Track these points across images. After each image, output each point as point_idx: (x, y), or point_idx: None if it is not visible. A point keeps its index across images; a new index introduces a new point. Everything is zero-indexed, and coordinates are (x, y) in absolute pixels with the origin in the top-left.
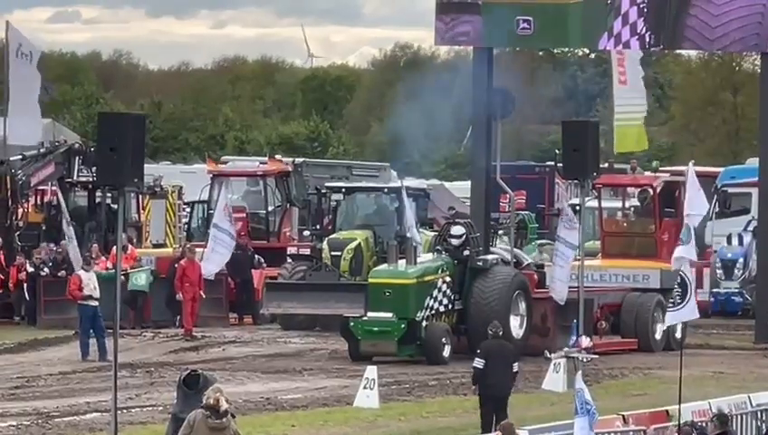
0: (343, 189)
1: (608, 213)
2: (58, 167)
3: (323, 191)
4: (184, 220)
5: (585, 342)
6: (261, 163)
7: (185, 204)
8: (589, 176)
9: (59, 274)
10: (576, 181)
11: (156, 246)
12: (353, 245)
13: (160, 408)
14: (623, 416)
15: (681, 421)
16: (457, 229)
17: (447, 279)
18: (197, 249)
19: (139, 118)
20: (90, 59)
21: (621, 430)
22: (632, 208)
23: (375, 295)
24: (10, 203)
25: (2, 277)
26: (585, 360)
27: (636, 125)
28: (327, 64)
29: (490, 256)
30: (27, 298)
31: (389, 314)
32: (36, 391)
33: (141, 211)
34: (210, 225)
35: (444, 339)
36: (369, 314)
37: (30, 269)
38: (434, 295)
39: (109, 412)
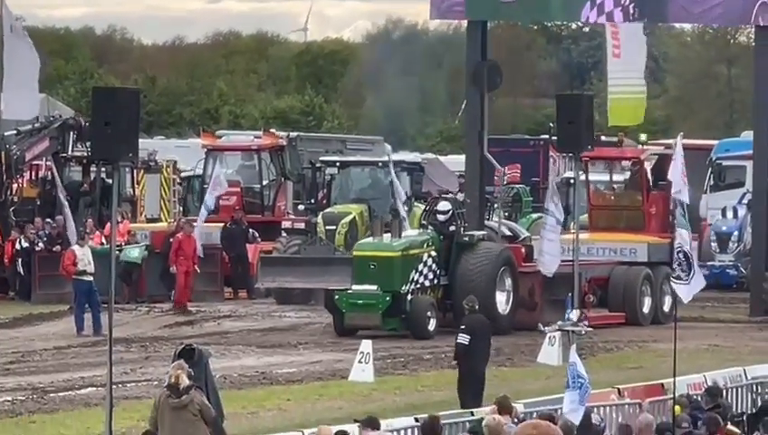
0: (338, 163)
1: (595, 186)
2: (52, 142)
3: (318, 165)
4: (179, 194)
5: (574, 315)
6: (255, 137)
7: (179, 178)
8: (584, 149)
9: (54, 249)
10: (570, 154)
11: (150, 220)
12: (348, 219)
13: (155, 382)
14: (618, 389)
15: (676, 394)
16: (444, 205)
17: (433, 254)
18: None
19: (133, 92)
20: (84, 34)
21: (616, 403)
22: (623, 181)
23: (360, 268)
24: (4, 178)
25: None
26: (581, 333)
27: (635, 98)
28: (321, 38)
29: (476, 232)
30: (21, 273)
31: (374, 287)
32: (31, 365)
33: (136, 186)
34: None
35: (429, 313)
36: (354, 286)
37: (25, 244)
38: (419, 269)
39: (104, 387)
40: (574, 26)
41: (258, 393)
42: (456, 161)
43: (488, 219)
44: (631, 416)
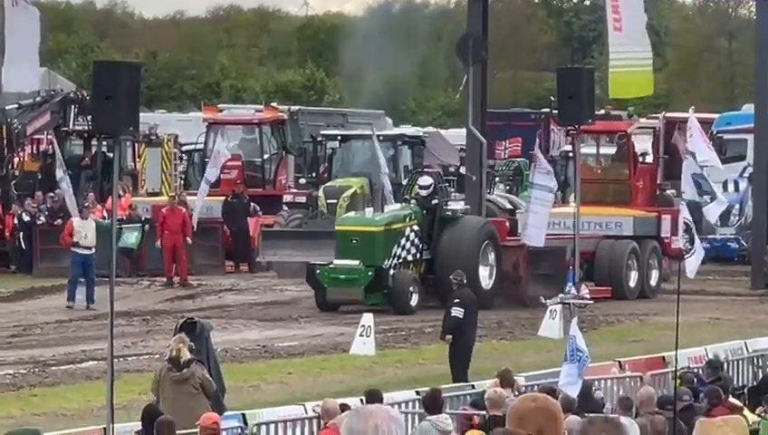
0: (339, 137)
1: (583, 160)
2: (54, 116)
3: (319, 139)
4: (180, 168)
5: (579, 290)
6: (256, 111)
7: (180, 152)
8: (584, 122)
9: (55, 222)
10: (569, 128)
11: (151, 194)
12: (349, 192)
13: (157, 356)
14: (619, 362)
15: (677, 368)
16: (425, 179)
17: (416, 228)
18: (189, 197)
19: (134, 66)
20: (84, 8)
21: (618, 376)
22: (611, 155)
23: (342, 243)
24: (6, 152)
25: None
26: (582, 306)
27: (641, 71)
28: (322, 12)
29: (458, 206)
30: (22, 247)
31: (356, 262)
32: (33, 339)
33: (137, 159)
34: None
35: (411, 288)
36: (336, 261)
37: (26, 218)
38: (401, 244)
39: (105, 360)
40: (575, 0)
41: (259, 367)
42: (458, 135)
43: (489, 193)
44: (632, 389)
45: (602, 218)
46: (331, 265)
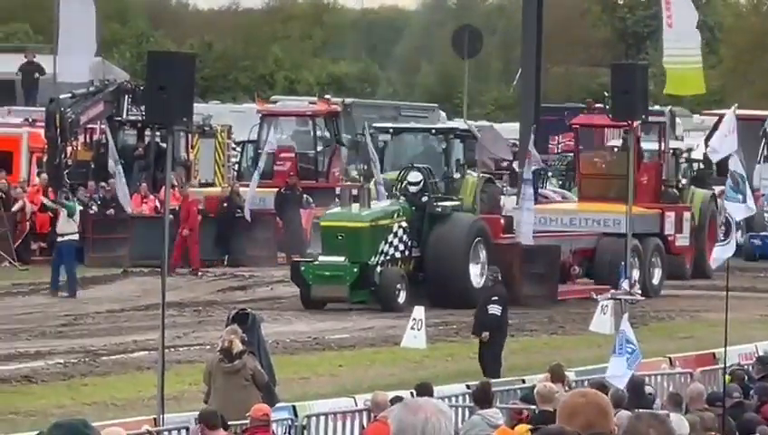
0: (390, 130)
1: (584, 154)
2: (107, 105)
3: (371, 132)
4: (233, 160)
5: (626, 284)
6: (310, 103)
7: (234, 144)
8: (638, 118)
9: (107, 212)
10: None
11: (204, 185)
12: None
13: (208, 346)
14: (669, 358)
15: (727, 364)
16: (415, 175)
17: (404, 224)
18: (242, 189)
19: (188, 57)
20: None
21: (668, 372)
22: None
23: (327, 239)
24: (59, 141)
25: (51, 215)
26: (633, 302)
27: (692, 68)
28: (378, 5)
29: (449, 203)
30: None
31: (341, 258)
32: (84, 329)
33: (190, 150)
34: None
35: (399, 285)
36: (321, 258)
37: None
38: (389, 240)
39: (156, 351)
40: None
41: (310, 359)
42: (511, 129)
43: (542, 188)
44: (682, 385)
45: (599, 215)
46: (316, 262)
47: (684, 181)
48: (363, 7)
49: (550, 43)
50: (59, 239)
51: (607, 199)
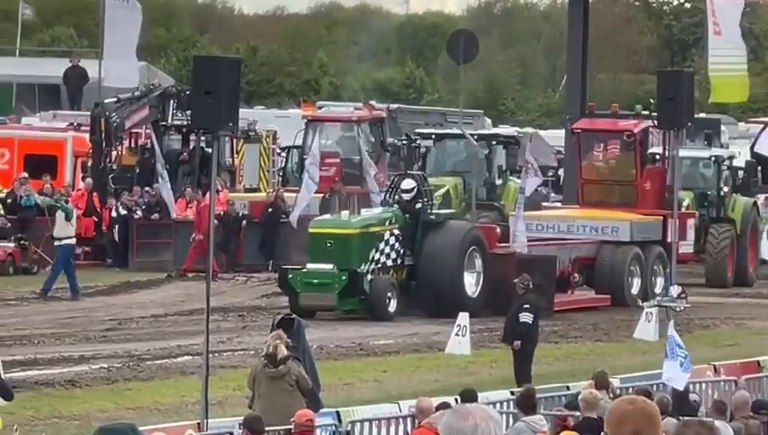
0: (433, 136)
1: (587, 160)
2: (152, 110)
3: (413, 138)
4: (278, 165)
5: (675, 291)
6: (355, 109)
7: (279, 149)
8: (684, 125)
9: (152, 217)
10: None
11: (249, 190)
12: (442, 191)
13: (252, 352)
14: (714, 366)
15: None
16: (408, 182)
17: (396, 232)
18: (287, 194)
19: (234, 62)
20: (185, 3)
21: (712, 380)
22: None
23: (315, 246)
24: (104, 145)
25: (96, 219)
26: (678, 309)
27: (738, 75)
28: (423, 11)
29: (443, 211)
30: (117, 241)
31: (330, 266)
32: (128, 333)
33: (235, 155)
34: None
35: (389, 293)
36: (309, 265)
37: (123, 212)
38: (380, 248)
39: (200, 356)
40: (675, 2)
41: (355, 365)
42: (556, 136)
43: None
44: (727, 393)
45: (598, 223)
46: (304, 270)
47: (726, 189)
48: (408, 12)
49: (595, 49)
50: (56, 244)
51: (609, 206)
